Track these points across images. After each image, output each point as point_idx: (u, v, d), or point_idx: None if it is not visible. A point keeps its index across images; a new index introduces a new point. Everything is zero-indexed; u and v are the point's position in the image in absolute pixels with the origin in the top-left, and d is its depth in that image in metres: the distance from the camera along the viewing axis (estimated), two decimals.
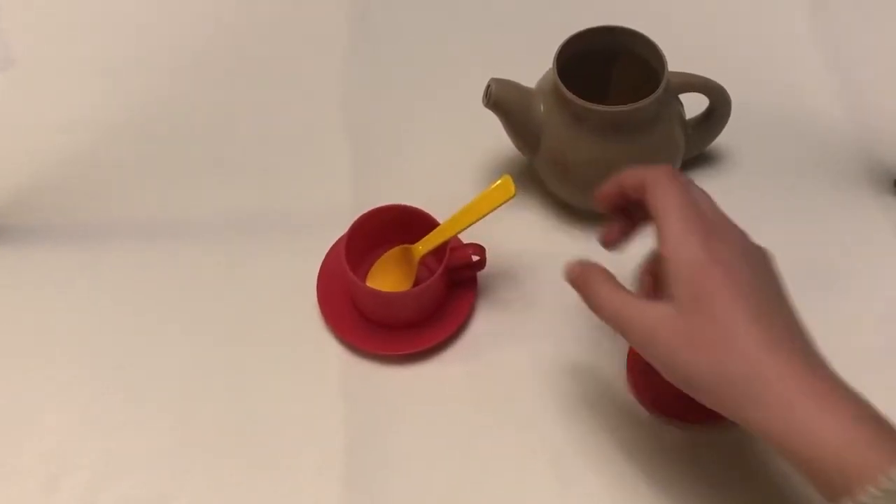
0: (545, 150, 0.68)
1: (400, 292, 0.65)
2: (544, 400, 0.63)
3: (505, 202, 0.63)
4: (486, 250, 0.66)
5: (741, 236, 0.51)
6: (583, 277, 0.54)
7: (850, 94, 0.79)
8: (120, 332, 0.67)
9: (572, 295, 0.67)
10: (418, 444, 0.61)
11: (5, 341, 0.66)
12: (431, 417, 0.62)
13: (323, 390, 0.63)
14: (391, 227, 0.66)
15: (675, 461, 0.60)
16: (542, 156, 0.69)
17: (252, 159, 0.76)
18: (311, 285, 0.67)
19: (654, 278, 0.55)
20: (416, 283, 0.66)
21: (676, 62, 0.67)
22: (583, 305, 0.67)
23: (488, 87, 0.67)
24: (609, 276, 0.53)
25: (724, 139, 0.73)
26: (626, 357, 0.64)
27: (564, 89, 0.65)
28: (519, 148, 0.71)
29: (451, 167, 0.75)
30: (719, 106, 0.70)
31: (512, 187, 0.63)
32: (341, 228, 0.66)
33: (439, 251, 0.64)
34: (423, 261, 0.66)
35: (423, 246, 0.65)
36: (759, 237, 0.54)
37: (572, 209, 0.72)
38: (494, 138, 0.70)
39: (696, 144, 0.72)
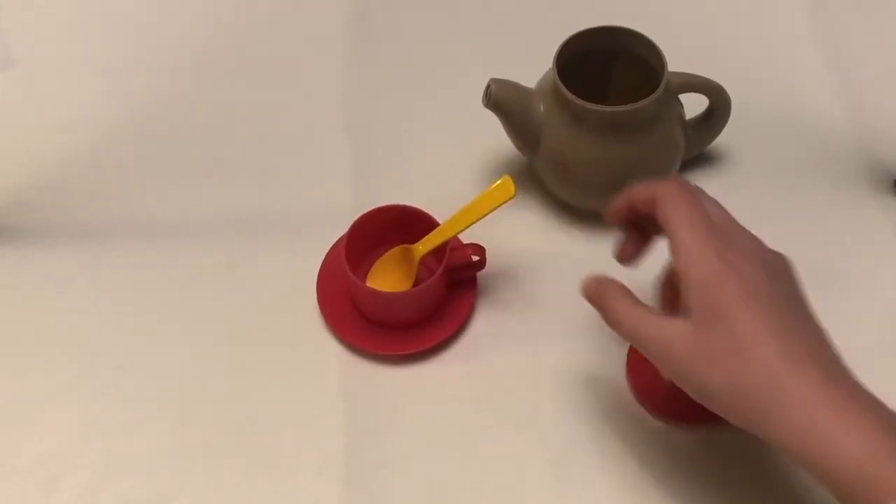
0: (545, 150, 0.68)
1: (400, 292, 0.65)
2: (544, 400, 0.63)
3: (505, 202, 0.63)
4: (486, 250, 0.66)
5: (756, 245, 0.51)
6: (599, 293, 0.54)
7: (850, 94, 0.79)
8: (120, 332, 0.67)
9: (572, 295, 0.67)
10: (418, 444, 0.61)
11: (5, 341, 0.66)
12: (431, 417, 0.62)
13: (323, 390, 0.63)
14: (391, 227, 0.66)
15: (674, 461, 0.60)
16: (542, 156, 0.69)
17: (252, 159, 0.76)
18: (311, 285, 0.67)
19: (674, 290, 0.55)
20: (416, 283, 0.66)
21: (676, 62, 0.67)
22: (582, 305, 0.67)
23: (488, 87, 0.67)
24: (626, 292, 0.53)
25: (724, 139, 0.73)
26: (626, 357, 0.64)
27: (564, 89, 0.65)
28: (519, 148, 0.71)
29: (451, 167, 0.75)
30: (719, 106, 0.70)
31: (512, 187, 0.63)
32: (341, 228, 0.66)
33: (439, 251, 0.64)
34: (423, 261, 0.66)
35: (423, 246, 0.65)
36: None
37: (572, 209, 0.72)
38: (494, 138, 0.70)
39: (696, 144, 0.72)
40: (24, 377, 0.65)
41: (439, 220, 0.65)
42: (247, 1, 0.88)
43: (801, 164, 0.75)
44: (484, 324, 0.67)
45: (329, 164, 0.76)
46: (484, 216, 0.63)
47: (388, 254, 0.67)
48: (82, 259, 0.70)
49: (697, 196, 0.52)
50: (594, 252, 0.70)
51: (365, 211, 0.66)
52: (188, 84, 0.82)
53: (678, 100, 0.69)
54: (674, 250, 0.50)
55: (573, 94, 0.65)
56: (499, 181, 0.63)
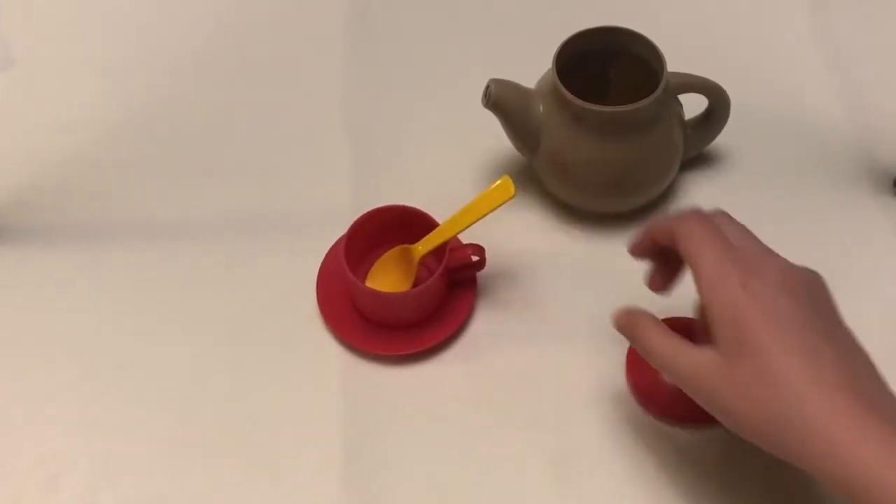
0: (544, 150, 0.68)
1: (400, 292, 0.65)
2: (544, 400, 0.63)
3: (504, 202, 0.63)
4: (486, 250, 0.66)
5: (781, 267, 0.50)
6: (631, 325, 0.54)
7: (850, 94, 0.79)
8: (120, 332, 0.67)
9: (572, 295, 0.68)
10: (418, 444, 0.61)
11: (5, 341, 0.66)
12: (431, 417, 0.62)
13: (323, 390, 0.63)
14: (391, 227, 0.66)
15: (674, 461, 0.60)
16: (542, 156, 0.69)
17: (252, 159, 0.76)
18: (310, 285, 0.67)
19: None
20: (415, 284, 0.66)
21: (676, 62, 0.67)
22: (582, 305, 0.67)
23: (487, 87, 0.67)
24: (656, 322, 0.53)
25: (724, 139, 0.73)
26: (625, 357, 0.64)
27: (564, 90, 0.65)
28: (518, 148, 0.71)
29: (451, 167, 0.75)
30: (719, 106, 0.70)
31: (511, 188, 0.63)
32: (341, 228, 0.66)
33: (439, 251, 0.64)
34: (423, 261, 0.66)
35: (423, 246, 0.65)
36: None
37: (572, 209, 0.72)
38: (494, 138, 0.70)
39: (696, 145, 0.72)
40: (24, 377, 0.65)
41: (439, 220, 0.65)
42: (247, 1, 0.88)
43: (801, 164, 0.75)
44: (484, 324, 0.67)
45: (329, 164, 0.76)
46: (484, 216, 0.63)
47: (387, 254, 0.67)
48: (82, 259, 0.70)
49: (715, 225, 0.52)
50: (594, 252, 0.70)
51: (365, 211, 0.66)
52: (188, 84, 0.82)
53: (677, 100, 0.69)
54: (697, 282, 0.50)
55: (573, 94, 0.65)
56: (498, 181, 0.63)
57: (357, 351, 0.65)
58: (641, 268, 0.59)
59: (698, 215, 0.53)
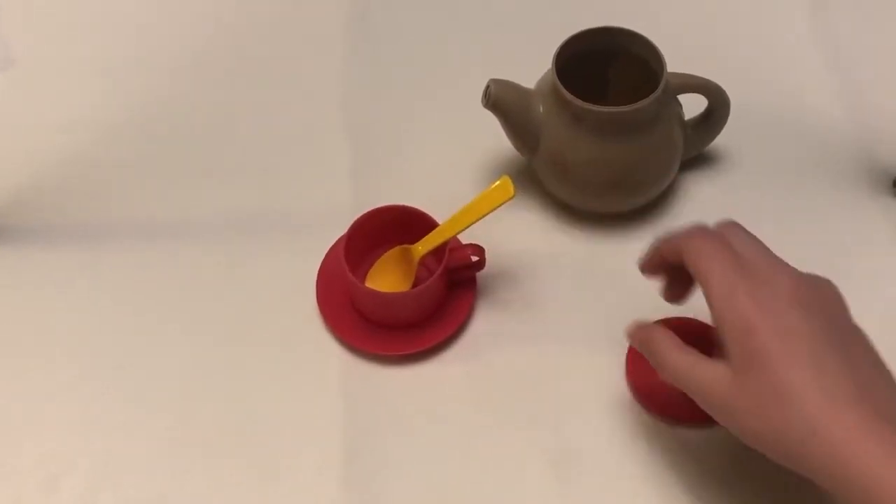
0: (544, 150, 0.68)
1: (399, 293, 0.65)
2: (544, 400, 0.63)
3: (504, 203, 0.63)
4: (486, 250, 0.66)
5: (792, 279, 0.50)
6: (646, 341, 0.55)
7: (850, 94, 0.79)
8: (120, 332, 0.67)
9: (572, 295, 0.68)
10: (418, 444, 0.61)
11: (5, 341, 0.67)
12: (431, 417, 0.62)
13: (323, 390, 0.63)
14: (391, 227, 0.66)
15: (674, 461, 0.60)
16: (542, 156, 0.69)
17: (252, 159, 0.76)
18: (310, 285, 0.67)
19: None
20: (415, 284, 0.66)
21: (676, 63, 0.67)
22: (582, 305, 0.67)
23: (487, 87, 0.67)
24: (671, 335, 0.53)
25: (724, 139, 0.73)
26: (625, 357, 0.64)
27: (563, 90, 0.65)
28: (518, 148, 0.71)
29: (451, 167, 0.75)
30: (718, 107, 0.70)
31: (511, 188, 0.63)
32: (341, 228, 0.66)
33: (439, 251, 0.64)
34: (423, 261, 0.66)
35: (423, 246, 0.65)
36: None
37: (571, 209, 0.72)
38: (494, 138, 0.70)
39: (696, 145, 0.72)
40: (24, 377, 0.65)
41: (439, 220, 0.65)
42: (247, 1, 0.88)
43: (801, 164, 0.75)
44: (484, 324, 0.67)
45: (329, 164, 0.76)
46: (483, 216, 0.63)
47: (387, 254, 0.67)
48: (82, 259, 0.70)
49: (723, 240, 0.52)
50: (594, 252, 0.70)
51: (365, 211, 0.66)
52: (188, 84, 0.82)
53: (677, 100, 0.69)
54: (707, 299, 0.51)
55: (572, 94, 0.65)
56: (498, 181, 0.63)
57: (357, 351, 0.65)
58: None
59: (703, 231, 0.53)
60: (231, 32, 0.86)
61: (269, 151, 0.77)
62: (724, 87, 0.69)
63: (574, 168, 0.68)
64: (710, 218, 0.56)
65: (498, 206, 0.63)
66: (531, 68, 0.69)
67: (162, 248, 0.71)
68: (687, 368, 0.51)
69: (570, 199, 0.71)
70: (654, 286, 0.60)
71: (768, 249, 0.53)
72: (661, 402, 0.61)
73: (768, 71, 0.81)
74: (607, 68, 0.72)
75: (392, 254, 0.67)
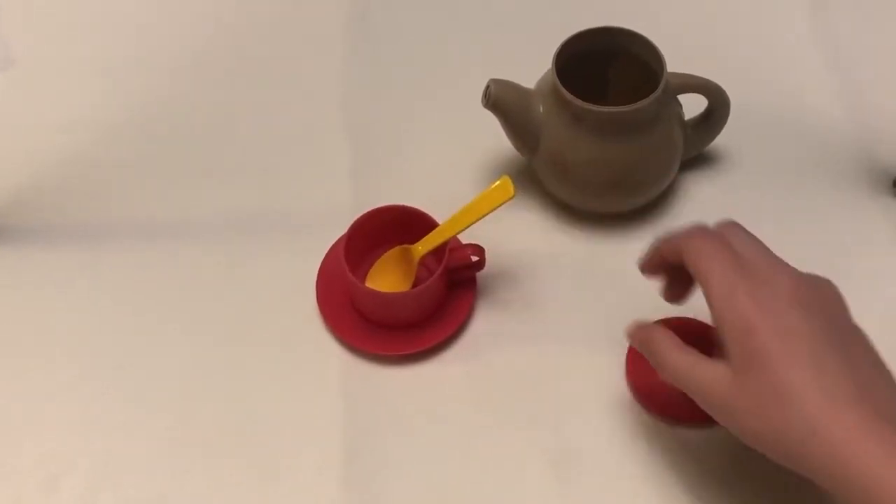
0: (544, 150, 0.68)
1: (399, 293, 0.65)
2: (544, 400, 0.63)
3: (504, 203, 0.63)
4: (486, 251, 0.66)
5: (792, 279, 0.50)
6: (646, 341, 0.55)
7: (850, 94, 0.79)
8: (120, 332, 0.67)
9: (572, 295, 0.68)
10: (418, 444, 0.61)
11: (5, 341, 0.67)
12: (431, 417, 0.62)
13: (323, 390, 0.63)
14: (391, 227, 0.66)
15: (674, 461, 0.60)
16: (542, 156, 0.69)
17: (252, 159, 0.77)
18: (310, 285, 0.67)
19: None
20: (415, 284, 0.66)
21: (676, 63, 0.67)
22: (582, 305, 0.67)
23: (487, 87, 0.67)
24: (671, 335, 0.53)
25: (724, 139, 0.73)
26: (625, 357, 0.64)
27: (563, 90, 0.65)
28: (518, 148, 0.71)
29: (451, 167, 0.75)
30: (718, 107, 0.70)
31: (511, 188, 0.63)
32: (341, 228, 0.66)
33: (439, 251, 0.64)
34: (423, 261, 0.66)
35: (423, 246, 0.65)
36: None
37: (571, 209, 0.72)
38: (494, 138, 0.70)
39: (695, 145, 0.72)
40: (24, 377, 0.65)
41: (439, 220, 0.65)
42: (247, 1, 0.88)
43: (801, 164, 0.75)
44: (484, 324, 0.67)
45: (329, 164, 0.76)
46: (483, 216, 0.63)
47: (387, 254, 0.67)
48: (82, 259, 0.70)
49: (723, 240, 0.52)
50: (594, 252, 0.70)
51: (365, 211, 0.66)
52: (188, 84, 0.82)
53: (677, 100, 0.69)
54: (707, 299, 0.51)
55: (572, 94, 0.65)
56: (498, 181, 0.63)
57: (357, 351, 0.65)
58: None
59: (703, 231, 0.53)
60: (231, 32, 0.86)
61: (269, 151, 0.77)
62: (724, 87, 0.69)
63: (574, 168, 0.68)
64: (710, 218, 0.56)
65: (498, 206, 0.63)
66: (531, 68, 0.69)
67: (162, 248, 0.71)
68: (687, 369, 0.51)
69: (570, 199, 0.71)
70: (654, 286, 0.60)
71: (768, 249, 0.53)
72: (661, 402, 0.61)
73: (768, 71, 0.81)
74: (607, 68, 0.72)
75: (392, 254, 0.67)
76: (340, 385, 0.64)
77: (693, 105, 0.70)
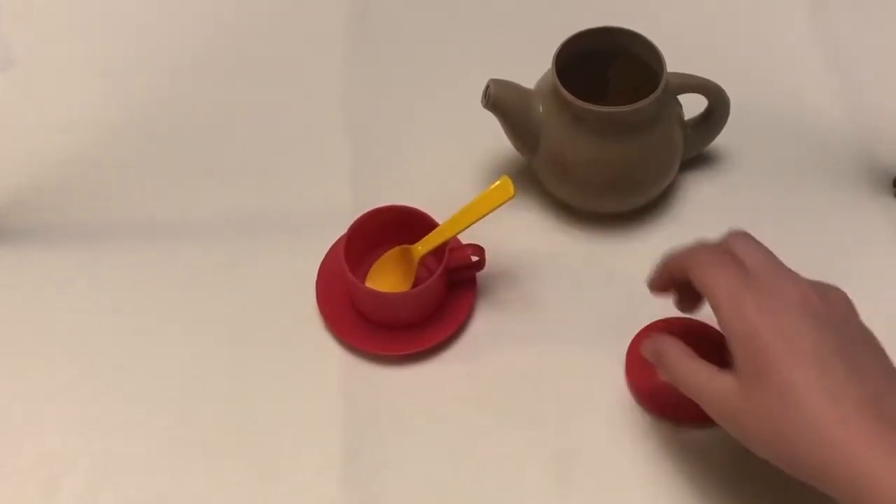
0: (544, 150, 0.68)
1: (399, 293, 0.65)
2: (544, 400, 0.63)
3: (504, 203, 0.63)
4: (486, 251, 0.66)
5: (800, 288, 0.50)
6: (659, 352, 0.55)
7: (850, 94, 0.79)
8: (120, 332, 0.67)
9: (572, 295, 0.68)
10: (418, 444, 0.61)
11: (5, 341, 0.67)
12: (431, 417, 0.62)
13: (323, 390, 0.63)
14: (391, 227, 0.66)
15: (674, 461, 0.60)
16: (542, 156, 0.69)
17: (252, 159, 0.77)
18: (310, 285, 0.67)
19: None
20: (415, 284, 0.66)
21: (676, 63, 0.67)
22: (582, 305, 0.67)
23: (487, 87, 0.67)
24: (683, 348, 0.54)
25: (724, 139, 0.73)
26: (625, 357, 0.64)
27: (563, 90, 0.65)
28: (518, 148, 0.71)
29: (451, 167, 0.75)
30: (718, 107, 0.70)
31: (511, 188, 0.63)
32: (341, 228, 0.66)
33: (439, 251, 0.64)
34: (423, 261, 0.66)
35: (423, 246, 0.65)
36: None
37: (571, 209, 0.72)
38: (494, 138, 0.70)
39: (695, 145, 0.72)
40: (24, 377, 0.65)
41: (439, 220, 0.65)
42: (247, 1, 0.88)
43: (801, 164, 0.75)
44: (484, 324, 0.67)
45: (329, 164, 0.76)
46: (483, 216, 0.63)
47: (387, 254, 0.67)
48: (82, 259, 0.70)
49: (727, 254, 0.52)
50: (594, 252, 0.70)
51: (365, 211, 0.66)
52: (188, 84, 0.82)
53: (677, 100, 0.69)
54: (714, 311, 0.51)
55: (572, 94, 0.65)
56: (498, 181, 0.63)
57: (357, 351, 0.65)
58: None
59: (707, 248, 0.53)
60: (231, 32, 0.86)
61: (269, 151, 0.77)
62: (724, 87, 0.69)
63: (574, 168, 0.68)
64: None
65: (498, 206, 0.63)
66: (531, 68, 0.69)
67: (162, 248, 0.71)
68: (699, 382, 0.51)
69: (570, 199, 0.71)
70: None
71: (775, 258, 0.53)
72: (661, 402, 0.61)
73: (768, 71, 0.81)
74: (607, 68, 0.72)
75: (392, 254, 0.67)
76: (340, 385, 0.64)
77: (693, 105, 0.70)
